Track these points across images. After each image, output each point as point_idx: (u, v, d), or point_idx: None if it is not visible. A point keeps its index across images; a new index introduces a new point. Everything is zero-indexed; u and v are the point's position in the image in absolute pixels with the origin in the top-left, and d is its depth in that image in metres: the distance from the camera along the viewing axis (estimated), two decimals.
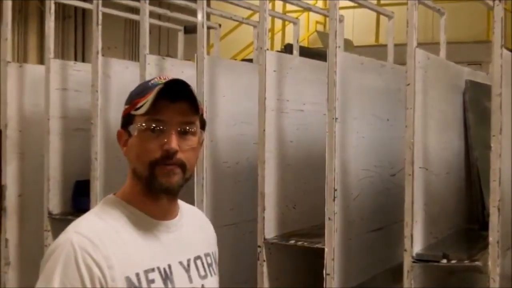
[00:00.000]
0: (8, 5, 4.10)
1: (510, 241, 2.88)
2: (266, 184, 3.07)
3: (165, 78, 1.47)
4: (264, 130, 3.07)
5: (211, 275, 1.57)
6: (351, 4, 3.94)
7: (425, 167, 2.79)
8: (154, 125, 1.43)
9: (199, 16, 3.30)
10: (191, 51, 3.72)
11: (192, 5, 3.98)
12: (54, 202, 4.01)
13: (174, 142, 1.42)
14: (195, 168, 3.27)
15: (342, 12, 3.21)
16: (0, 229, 4.15)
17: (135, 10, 4.28)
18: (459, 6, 8.01)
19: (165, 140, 1.42)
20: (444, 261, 2.64)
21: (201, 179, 3.23)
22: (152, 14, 3.77)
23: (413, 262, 2.66)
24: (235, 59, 7.52)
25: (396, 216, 3.01)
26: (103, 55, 3.73)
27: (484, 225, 2.94)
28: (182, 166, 1.45)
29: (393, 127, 3.25)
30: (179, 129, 1.44)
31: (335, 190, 2.80)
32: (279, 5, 8.70)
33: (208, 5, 3.73)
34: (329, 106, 2.82)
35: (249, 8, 4.42)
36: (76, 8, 10.63)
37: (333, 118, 2.81)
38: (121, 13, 4.75)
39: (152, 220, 1.48)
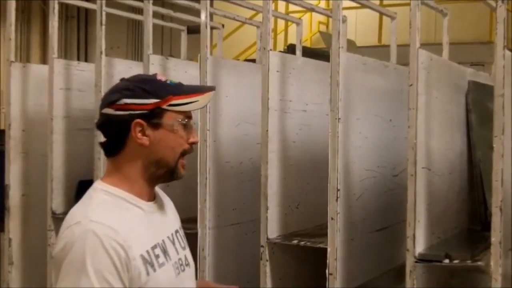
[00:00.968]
0: (11, 5, 4.10)
1: None
2: (269, 184, 3.07)
3: (165, 78, 1.64)
4: (267, 130, 3.07)
5: (187, 246, 1.75)
6: (354, 4, 3.95)
7: (427, 168, 2.80)
8: (186, 121, 1.62)
9: (202, 16, 3.31)
10: (194, 51, 3.73)
11: (195, 5, 3.98)
12: (57, 202, 4.01)
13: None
14: (198, 168, 3.28)
15: (345, 12, 3.21)
16: (3, 228, 4.15)
17: (139, 10, 4.30)
18: (462, 7, 8.01)
19: (192, 134, 1.64)
20: (447, 261, 2.65)
21: (204, 179, 3.24)
22: (155, 14, 3.78)
23: (416, 262, 2.67)
24: (238, 59, 7.53)
25: (399, 216, 3.02)
26: (106, 55, 3.75)
27: (486, 226, 2.93)
28: None
29: (396, 128, 3.26)
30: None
31: (338, 190, 2.81)
32: (282, 6, 8.72)
33: (211, 5, 3.74)
34: (332, 107, 2.83)
35: (252, 9, 4.43)
36: (79, 8, 10.64)
37: (336, 119, 2.81)
38: (125, 13, 4.77)
39: (144, 202, 1.63)
